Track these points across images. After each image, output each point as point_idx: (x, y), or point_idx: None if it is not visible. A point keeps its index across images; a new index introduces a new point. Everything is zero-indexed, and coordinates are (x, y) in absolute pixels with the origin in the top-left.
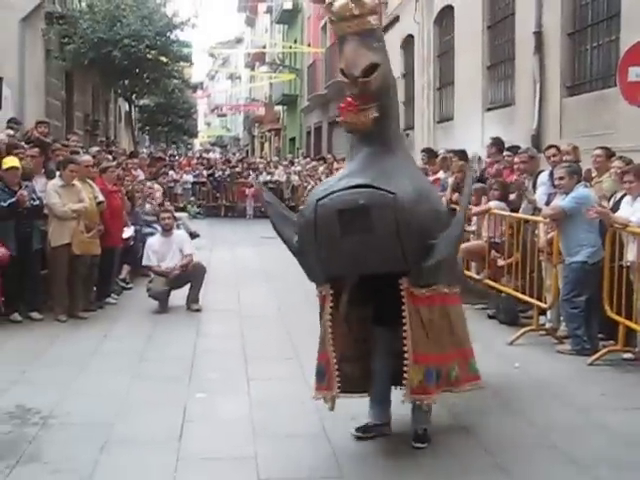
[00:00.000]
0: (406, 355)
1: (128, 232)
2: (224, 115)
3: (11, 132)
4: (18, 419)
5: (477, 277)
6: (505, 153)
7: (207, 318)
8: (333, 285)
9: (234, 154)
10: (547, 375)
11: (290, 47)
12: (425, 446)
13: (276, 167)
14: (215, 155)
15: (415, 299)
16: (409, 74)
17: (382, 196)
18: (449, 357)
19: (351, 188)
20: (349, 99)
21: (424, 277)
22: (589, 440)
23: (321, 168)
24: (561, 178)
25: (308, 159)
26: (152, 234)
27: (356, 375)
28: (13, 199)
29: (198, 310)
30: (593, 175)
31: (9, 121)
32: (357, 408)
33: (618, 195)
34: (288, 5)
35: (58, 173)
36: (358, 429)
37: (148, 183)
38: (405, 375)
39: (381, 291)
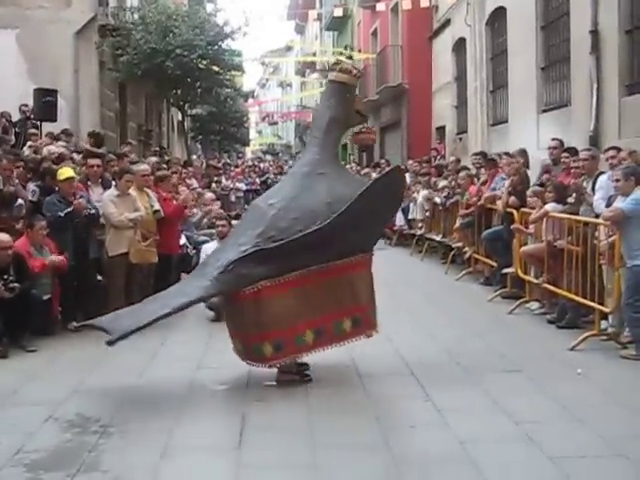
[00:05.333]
0: None
1: (181, 240)
2: (275, 123)
3: (62, 144)
4: (78, 427)
5: (536, 281)
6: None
7: None
8: None
9: (286, 161)
10: (612, 381)
11: (340, 53)
12: None
13: None
14: (266, 163)
15: None
16: (461, 77)
17: None
18: None
19: None
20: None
21: None
22: None
23: (374, 174)
24: (617, 180)
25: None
26: (206, 242)
27: None
28: (69, 209)
29: None
30: None
31: (61, 132)
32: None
33: None
34: (339, 12)
35: (114, 183)
36: None
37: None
38: None
39: None
